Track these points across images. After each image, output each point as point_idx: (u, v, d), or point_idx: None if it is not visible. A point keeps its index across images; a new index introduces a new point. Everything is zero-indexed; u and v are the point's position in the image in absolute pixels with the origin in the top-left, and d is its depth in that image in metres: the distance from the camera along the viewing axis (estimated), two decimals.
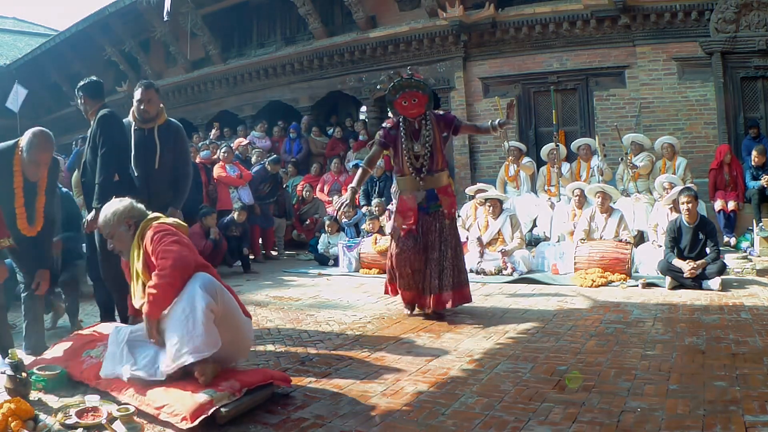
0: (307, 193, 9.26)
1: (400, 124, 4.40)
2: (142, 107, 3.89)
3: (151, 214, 2.93)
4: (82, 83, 3.91)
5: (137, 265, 2.81)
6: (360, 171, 4.52)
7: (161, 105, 4.02)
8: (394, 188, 4.61)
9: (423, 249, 4.33)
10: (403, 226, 4.37)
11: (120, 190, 3.35)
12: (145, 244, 2.76)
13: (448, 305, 4.30)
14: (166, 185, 3.97)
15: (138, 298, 2.82)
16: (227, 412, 2.43)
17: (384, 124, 4.53)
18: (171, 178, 3.99)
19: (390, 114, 4.53)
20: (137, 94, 3.91)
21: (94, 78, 3.99)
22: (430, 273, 4.31)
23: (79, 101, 3.91)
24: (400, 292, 4.48)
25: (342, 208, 4.60)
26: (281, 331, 4.12)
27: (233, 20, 12.11)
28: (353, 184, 4.49)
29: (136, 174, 3.91)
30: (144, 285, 2.74)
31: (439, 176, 4.39)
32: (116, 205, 2.90)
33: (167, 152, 3.95)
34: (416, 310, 4.49)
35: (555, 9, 8.80)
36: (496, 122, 4.46)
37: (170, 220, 2.98)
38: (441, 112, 4.53)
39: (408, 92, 4.27)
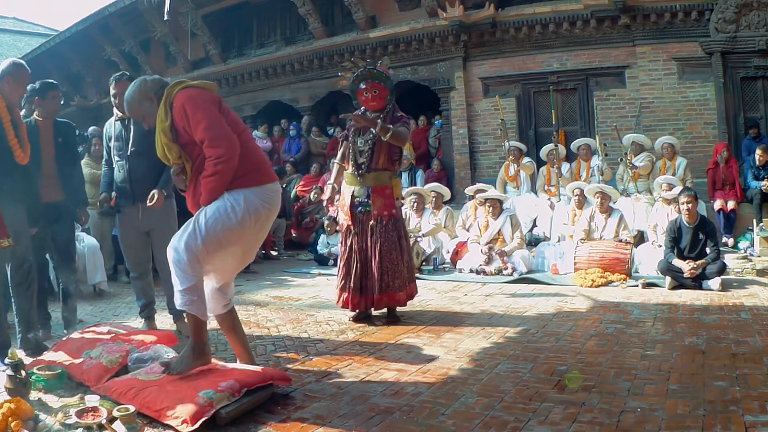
0: (315, 196, 9.26)
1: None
2: (117, 101, 3.96)
3: (172, 81, 2.88)
4: (122, 74, 4.11)
5: (161, 126, 2.76)
6: (335, 167, 4.46)
7: None
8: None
9: (358, 248, 4.25)
10: (342, 222, 4.35)
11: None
12: (176, 112, 2.71)
13: (374, 308, 4.27)
14: (146, 171, 3.88)
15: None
16: (227, 413, 2.43)
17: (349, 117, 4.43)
18: (152, 163, 3.73)
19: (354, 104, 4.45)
20: (111, 88, 4.05)
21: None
22: (367, 273, 4.23)
23: (117, 90, 3.98)
24: (342, 295, 4.30)
25: (325, 203, 4.56)
26: (281, 331, 4.12)
27: (233, 20, 12.11)
28: (331, 180, 4.47)
29: (117, 164, 4.02)
30: (163, 145, 2.76)
31: (378, 176, 4.24)
32: (132, 87, 2.86)
33: (143, 138, 3.85)
34: (357, 315, 4.33)
35: (555, 9, 8.79)
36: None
37: (194, 82, 2.90)
38: (399, 114, 4.30)
39: (370, 83, 4.17)
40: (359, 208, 4.27)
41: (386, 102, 4.22)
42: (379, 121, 4.08)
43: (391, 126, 4.07)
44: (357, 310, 4.30)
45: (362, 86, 4.21)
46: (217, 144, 2.63)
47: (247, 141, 2.83)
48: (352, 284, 4.25)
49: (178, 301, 2.71)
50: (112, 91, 4.01)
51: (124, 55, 13.24)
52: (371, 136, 4.20)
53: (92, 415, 2.45)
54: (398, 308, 4.39)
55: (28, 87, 3.81)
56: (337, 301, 4.35)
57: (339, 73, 4.62)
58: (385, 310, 4.34)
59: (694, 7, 8.14)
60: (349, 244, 4.29)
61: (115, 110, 4.08)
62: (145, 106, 2.81)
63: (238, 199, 2.71)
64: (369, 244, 4.24)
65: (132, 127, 3.95)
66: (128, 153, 3.95)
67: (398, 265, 4.25)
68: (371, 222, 4.23)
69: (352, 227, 4.28)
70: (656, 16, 8.31)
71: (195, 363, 2.67)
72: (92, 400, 2.54)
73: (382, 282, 4.19)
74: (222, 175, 2.65)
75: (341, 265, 4.34)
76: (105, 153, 4.20)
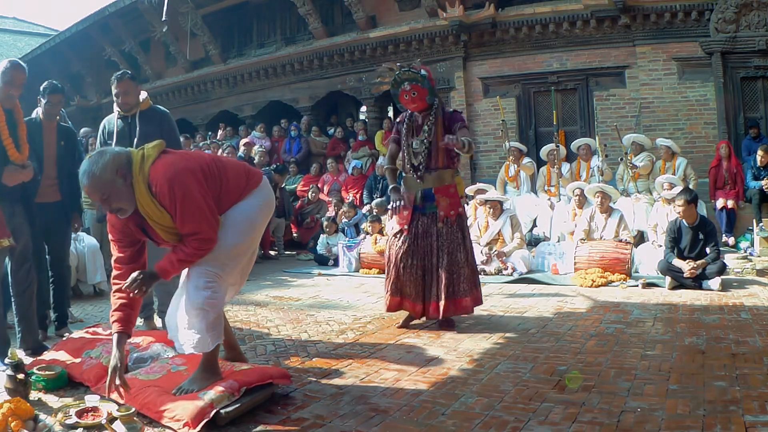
0: (313, 195, 9.26)
1: (406, 119, 4.26)
2: (119, 100, 3.94)
3: (136, 154, 2.52)
4: (124, 73, 4.04)
5: (156, 212, 2.48)
6: (387, 172, 4.34)
7: (141, 92, 4.04)
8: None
9: (420, 253, 4.08)
10: (396, 226, 4.18)
11: None
12: (162, 194, 2.44)
13: (439, 315, 4.03)
14: None
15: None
16: (227, 414, 2.43)
17: (397, 119, 4.40)
18: None
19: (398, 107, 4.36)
20: (113, 88, 3.98)
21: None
22: (426, 279, 4.05)
23: (119, 89, 3.95)
24: (388, 298, 4.14)
25: (398, 209, 4.14)
26: (281, 331, 4.12)
27: (233, 20, 12.11)
28: (391, 184, 4.26)
29: None
30: (167, 230, 2.52)
31: (440, 174, 4.11)
32: (100, 160, 2.44)
33: (148, 138, 3.84)
34: (404, 321, 4.17)
35: (555, 9, 8.79)
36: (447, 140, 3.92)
37: (155, 151, 2.55)
38: (451, 110, 4.27)
39: (408, 85, 4.10)
40: (422, 210, 4.11)
41: (427, 101, 4.09)
42: (446, 138, 3.88)
43: (465, 139, 3.83)
44: (416, 318, 4.12)
45: (404, 88, 4.10)
46: (205, 237, 2.50)
47: (228, 171, 2.68)
48: (410, 290, 4.04)
49: (198, 344, 2.57)
50: (114, 90, 3.99)
51: (124, 55, 13.25)
52: (426, 134, 4.09)
53: (92, 415, 2.45)
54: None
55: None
56: (388, 308, 4.13)
57: (376, 79, 4.56)
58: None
59: (694, 7, 8.14)
60: (406, 247, 4.05)
61: (116, 108, 4.04)
62: (118, 184, 2.43)
63: (243, 210, 2.69)
64: (434, 247, 4.04)
65: (138, 125, 3.93)
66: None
67: (463, 268, 4.06)
68: (438, 224, 4.06)
69: (407, 232, 4.07)
70: (656, 16, 8.32)
71: (206, 383, 2.57)
72: (92, 400, 2.54)
73: (449, 288, 3.98)
74: (200, 257, 2.55)
75: (395, 268, 4.08)
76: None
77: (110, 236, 2.68)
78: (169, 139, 4.05)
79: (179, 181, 2.44)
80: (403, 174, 4.30)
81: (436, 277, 4.03)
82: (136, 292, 2.52)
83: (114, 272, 2.67)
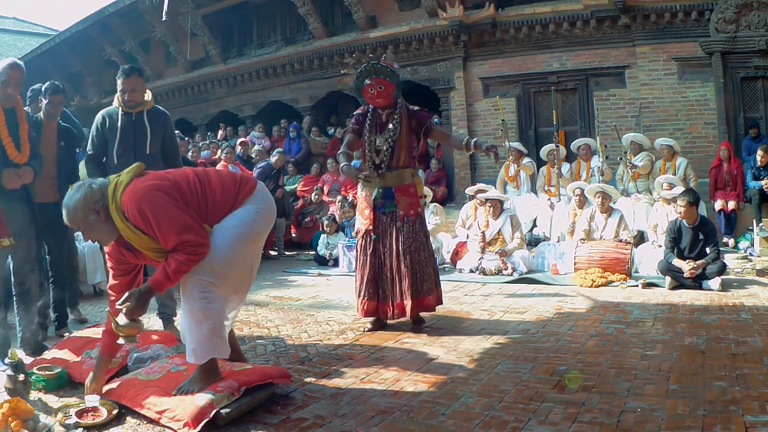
0: (316, 196, 9.26)
1: (368, 113, 4.15)
2: (126, 97, 3.79)
3: (109, 185, 2.54)
4: (132, 68, 3.87)
5: (137, 239, 2.51)
6: (342, 156, 4.06)
7: (147, 89, 3.93)
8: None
9: (381, 252, 4.01)
10: (361, 227, 4.12)
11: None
12: (133, 219, 2.46)
13: (406, 315, 3.98)
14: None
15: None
16: (227, 414, 2.43)
17: (357, 110, 4.28)
18: (161, 166, 3.73)
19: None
20: (120, 83, 3.77)
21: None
22: (390, 279, 3.98)
23: (126, 86, 3.81)
24: (357, 301, 4.10)
25: (364, 175, 4.03)
26: (281, 331, 4.12)
27: (233, 20, 12.11)
28: (344, 162, 4.06)
29: (119, 161, 3.75)
30: (151, 250, 2.54)
31: (400, 174, 4.03)
32: (75, 195, 2.49)
33: (155, 138, 3.86)
34: (374, 324, 4.08)
35: (555, 9, 8.79)
36: (473, 141, 4.00)
37: (129, 176, 2.55)
38: (416, 108, 4.15)
39: (374, 79, 3.99)
40: (382, 210, 4.05)
41: (393, 97, 4.03)
42: (472, 142, 3.97)
43: (473, 141, 3.95)
44: (384, 320, 4.06)
45: (367, 82, 4.04)
46: (194, 243, 2.46)
47: (214, 184, 2.66)
48: (376, 292, 4.01)
49: (202, 353, 2.56)
50: (120, 86, 3.79)
51: (124, 55, 13.24)
52: (391, 134, 4.00)
53: (92, 415, 2.45)
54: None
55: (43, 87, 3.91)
56: (360, 311, 4.09)
57: (342, 71, 4.46)
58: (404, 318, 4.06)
59: (694, 7, 8.14)
60: (371, 249, 4.03)
61: (117, 103, 3.87)
62: (91, 220, 2.48)
63: (234, 219, 2.66)
64: (395, 247, 3.98)
65: (149, 125, 3.83)
66: (147, 151, 3.78)
67: (426, 267, 4.03)
68: (398, 223, 4.00)
69: (372, 232, 4.04)
70: (656, 16, 8.31)
71: (206, 383, 2.56)
72: (92, 400, 2.54)
73: (414, 287, 3.95)
74: (195, 263, 2.51)
75: (361, 272, 4.07)
76: (91, 146, 3.91)
77: (108, 263, 2.73)
78: (171, 141, 4.06)
79: (146, 201, 2.44)
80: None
81: (398, 277, 3.98)
82: (131, 310, 2.51)
83: (109, 298, 2.73)
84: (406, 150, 4.06)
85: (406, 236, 4.00)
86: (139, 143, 3.84)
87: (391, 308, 4.00)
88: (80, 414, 2.45)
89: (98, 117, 3.94)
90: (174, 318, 4.05)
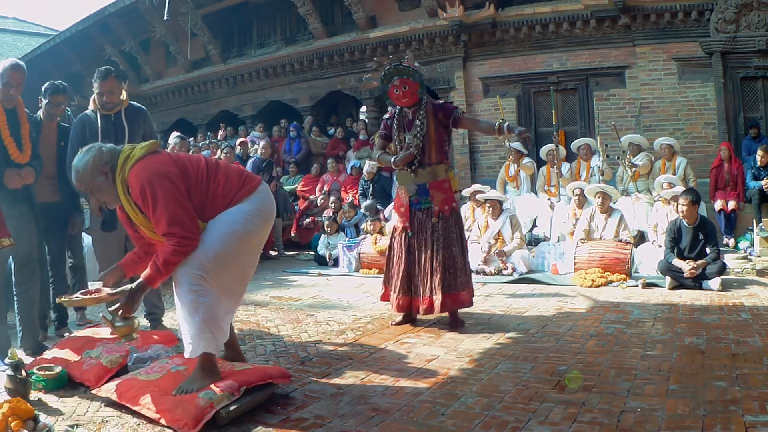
0: (322, 201, 9.25)
1: (395, 114, 4.25)
2: (104, 99, 3.83)
3: (121, 155, 2.62)
4: (107, 70, 3.88)
5: (134, 214, 2.62)
6: (380, 156, 4.29)
7: (123, 90, 3.96)
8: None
9: (416, 248, 4.10)
10: (397, 224, 4.21)
11: None
12: (135, 194, 2.54)
13: (437, 310, 3.99)
14: None
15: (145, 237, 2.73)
16: (227, 414, 2.43)
17: (385, 115, 4.39)
18: None
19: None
20: (96, 86, 3.81)
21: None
22: (422, 274, 4.04)
23: (104, 88, 3.82)
24: (391, 296, 4.17)
25: (407, 155, 4.09)
26: (281, 331, 4.12)
27: (233, 20, 12.12)
28: (378, 153, 4.30)
29: None
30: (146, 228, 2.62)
31: (433, 170, 4.10)
32: (84, 157, 2.60)
33: (135, 136, 3.88)
34: (403, 318, 4.17)
35: (555, 9, 8.80)
36: (505, 124, 4.03)
37: (143, 152, 2.62)
38: (441, 102, 4.25)
39: (399, 80, 4.10)
40: (417, 206, 4.11)
41: (418, 96, 4.10)
42: (505, 125, 4.04)
43: (505, 124, 4.03)
44: (416, 315, 4.12)
45: (393, 83, 4.10)
46: (181, 236, 2.49)
47: (221, 175, 2.70)
48: (410, 287, 4.07)
49: (194, 347, 2.58)
50: (97, 89, 3.82)
51: (124, 55, 13.25)
52: (419, 129, 4.08)
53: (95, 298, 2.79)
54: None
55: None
56: (395, 307, 4.13)
57: (365, 77, 4.55)
58: (432, 315, 4.09)
59: (694, 7, 8.14)
60: (406, 245, 4.10)
61: (94, 106, 3.90)
62: (99, 181, 2.60)
63: (229, 215, 2.66)
64: (429, 243, 4.04)
65: (126, 124, 3.87)
66: None
67: (459, 262, 4.06)
68: (433, 219, 4.06)
69: (408, 229, 4.11)
70: (656, 16, 8.32)
71: (205, 382, 2.55)
72: (94, 285, 2.83)
73: (444, 282, 3.98)
74: (184, 255, 2.53)
75: (396, 267, 4.13)
76: (71, 151, 3.74)
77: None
78: (151, 135, 4.04)
79: (150, 183, 2.50)
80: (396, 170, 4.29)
81: (430, 273, 4.03)
82: (122, 310, 2.62)
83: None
84: (437, 145, 4.11)
85: (441, 232, 4.07)
86: (121, 142, 3.85)
87: (422, 304, 4.05)
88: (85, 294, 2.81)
89: (76, 124, 3.95)
90: (162, 319, 4.09)
